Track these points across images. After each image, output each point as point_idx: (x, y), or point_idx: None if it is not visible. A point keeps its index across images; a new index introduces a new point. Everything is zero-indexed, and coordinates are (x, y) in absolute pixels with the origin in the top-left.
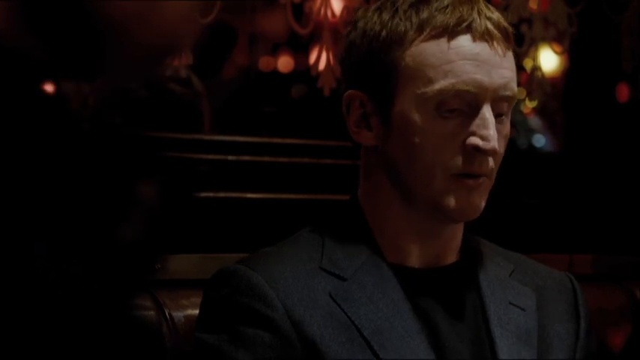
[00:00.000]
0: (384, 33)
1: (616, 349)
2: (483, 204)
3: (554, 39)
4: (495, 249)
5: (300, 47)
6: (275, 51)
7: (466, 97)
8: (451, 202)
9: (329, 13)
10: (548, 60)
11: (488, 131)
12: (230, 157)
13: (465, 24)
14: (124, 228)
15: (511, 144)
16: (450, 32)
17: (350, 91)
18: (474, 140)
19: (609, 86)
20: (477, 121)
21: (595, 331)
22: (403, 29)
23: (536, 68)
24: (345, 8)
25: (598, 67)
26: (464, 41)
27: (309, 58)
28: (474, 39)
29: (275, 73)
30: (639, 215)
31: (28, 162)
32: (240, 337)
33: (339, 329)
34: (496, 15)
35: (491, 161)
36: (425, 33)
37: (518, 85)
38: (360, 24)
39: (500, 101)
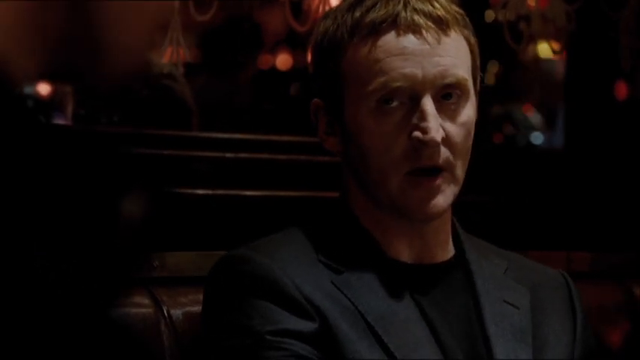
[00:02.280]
0: (325, 42)
1: (614, 346)
2: (446, 203)
3: (553, 36)
4: (489, 247)
5: (298, 45)
6: (273, 49)
7: (403, 92)
8: (410, 202)
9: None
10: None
11: (427, 123)
12: (228, 155)
13: (389, 20)
14: (109, 226)
15: (509, 142)
16: (377, 31)
17: (315, 99)
18: (415, 134)
19: (607, 84)
20: (417, 113)
21: (592, 327)
22: (339, 35)
23: None
24: None
25: (596, 64)
26: (389, 37)
27: (308, 55)
28: (399, 33)
29: (273, 70)
30: (637, 213)
31: (18, 166)
32: (255, 309)
33: (344, 313)
34: (429, 6)
35: (444, 152)
36: (356, 37)
37: (518, 82)
38: (314, 39)
39: (443, 89)
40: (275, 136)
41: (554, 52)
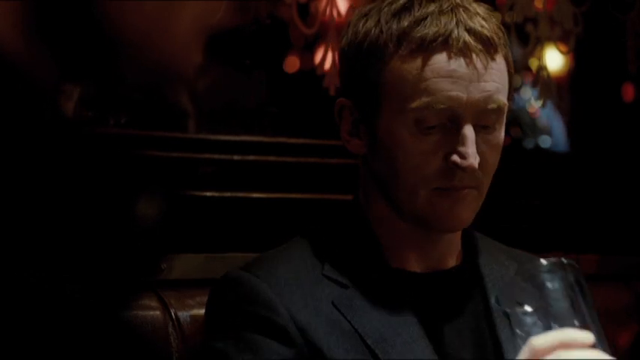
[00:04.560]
0: (365, 44)
1: (622, 349)
2: (470, 215)
3: (560, 39)
4: (498, 246)
5: (305, 47)
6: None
7: (444, 114)
8: (434, 215)
9: (335, 13)
10: (554, 60)
11: (466, 149)
12: (236, 157)
13: (441, 39)
14: (120, 229)
15: (517, 144)
16: (426, 48)
17: (341, 98)
18: (453, 157)
19: (615, 86)
20: (457, 137)
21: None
22: (383, 42)
23: (542, 68)
24: (351, 8)
25: (603, 66)
26: (439, 58)
27: (315, 57)
28: (450, 55)
29: (281, 72)
30: None
31: (25, 168)
32: (247, 343)
33: (343, 337)
34: (479, 23)
35: (476, 174)
36: (402, 48)
37: (523, 84)
38: (349, 31)
39: (484, 114)
40: (282, 139)
41: (561, 54)
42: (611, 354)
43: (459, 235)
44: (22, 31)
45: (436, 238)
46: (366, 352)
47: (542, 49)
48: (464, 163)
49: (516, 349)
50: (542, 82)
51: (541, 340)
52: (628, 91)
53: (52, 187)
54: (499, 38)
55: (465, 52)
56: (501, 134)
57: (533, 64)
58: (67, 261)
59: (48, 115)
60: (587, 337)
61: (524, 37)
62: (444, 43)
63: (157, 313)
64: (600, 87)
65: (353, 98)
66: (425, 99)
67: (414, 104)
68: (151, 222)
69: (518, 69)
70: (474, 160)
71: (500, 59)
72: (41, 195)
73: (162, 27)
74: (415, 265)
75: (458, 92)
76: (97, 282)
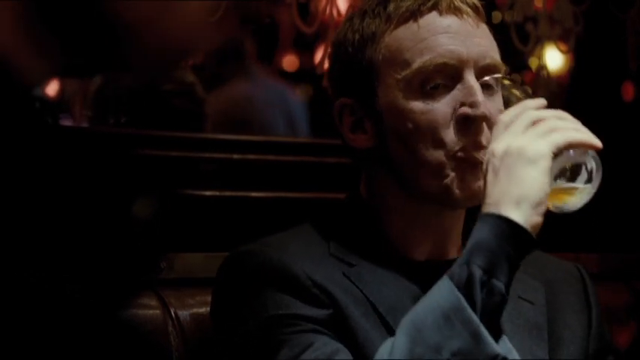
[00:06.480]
0: (357, 37)
1: (622, 347)
2: None
3: (560, 37)
4: None
5: (305, 46)
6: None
7: (447, 71)
8: (454, 185)
9: (334, 12)
10: (554, 59)
11: (475, 97)
12: (235, 156)
13: (429, 3)
14: (118, 228)
15: None
16: (417, 13)
17: (339, 99)
18: (463, 109)
19: (615, 85)
20: (463, 90)
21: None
22: (373, 28)
23: (542, 67)
24: (351, 7)
25: (603, 65)
26: (432, 17)
27: (315, 57)
28: (441, 13)
29: (280, 71)
30: None
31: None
32: (269, 298)
33: (356, 303)
34: None
35: (488, 132)
36: (394, 23)
37: (524, 83)
38: (339, 36)
39: (483, 71)
40: (281, 138)
41: (561, 53)
42: (612, 350)
43: (460, 224)
44: (22, 25)
45: (444, 222)
46: (377, 319)
47: (542, 48)
48: (476, 112)
49: (521, 343)
50: (542, 81)
51: (509, 113)
52: (628, 90)
53: (52, 187)
54: (483, 13)
55: (454, 11)
56: (502, 101)
57: (533, 63)
58: (67, 261)
59: (48, 115)
60: (541, 101)
61: (524, 37)
62: (433, 5)
63: (157, 312)
64: (600, 86)
65: (352, 93)
66: (427, 56)
67: (417, 65)
68: (150, 221)
69: (519, 68)
70: (485, 109)
71: (486, 29)
72: (41, 195)
73: (167, 9)
74: (419, 255)
75: (457, 46)
76: (97, 282)
